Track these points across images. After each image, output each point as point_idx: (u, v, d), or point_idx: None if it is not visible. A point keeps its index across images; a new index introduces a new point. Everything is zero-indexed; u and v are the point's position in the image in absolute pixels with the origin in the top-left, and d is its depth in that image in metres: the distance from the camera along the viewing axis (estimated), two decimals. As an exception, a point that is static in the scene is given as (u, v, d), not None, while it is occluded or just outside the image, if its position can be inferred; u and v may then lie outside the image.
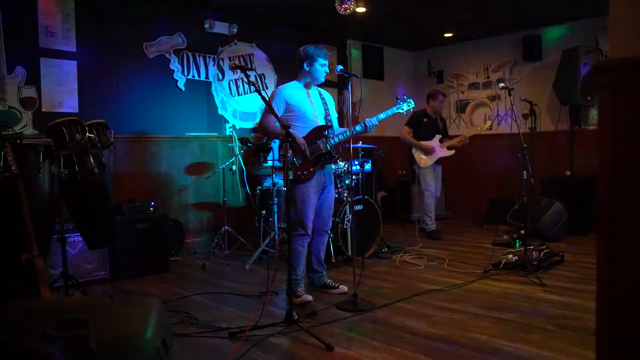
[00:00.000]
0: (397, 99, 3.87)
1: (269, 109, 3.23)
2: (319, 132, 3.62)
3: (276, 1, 5.53)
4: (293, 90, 3.66)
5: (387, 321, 3.16)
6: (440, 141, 5.91)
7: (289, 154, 3.21)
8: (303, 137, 3.52)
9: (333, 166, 4.23)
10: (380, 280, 4.16)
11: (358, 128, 3.68)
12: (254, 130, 6.13)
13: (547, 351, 2.63)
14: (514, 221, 5.64)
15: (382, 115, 3.77)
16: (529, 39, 6.80)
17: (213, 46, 5.79)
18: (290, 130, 3.14)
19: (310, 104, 3.68)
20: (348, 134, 3.61)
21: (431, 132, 5.91)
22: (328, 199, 3.76)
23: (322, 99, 3.79)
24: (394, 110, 3.81)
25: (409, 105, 3.84)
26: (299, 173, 3.51)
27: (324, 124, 3.69)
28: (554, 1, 5.64)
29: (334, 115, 3.86)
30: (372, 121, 3.67)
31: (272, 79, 6.32)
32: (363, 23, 6.45)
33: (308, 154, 3.49)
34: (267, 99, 3.19)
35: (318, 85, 3.81)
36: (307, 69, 3.65)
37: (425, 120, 5.95)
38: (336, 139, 3.65)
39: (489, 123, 6.17)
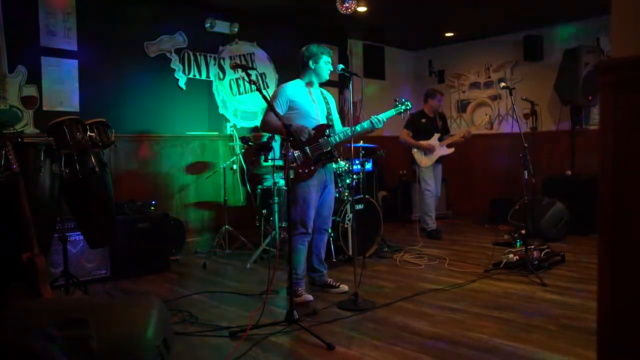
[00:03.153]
0: (395, 100, 3.88)
1: (270, 108, 3.22)
2: (320, 131, 3.62)
3: (277, 0, 5.53)
4: (296, 89, 3.66)
5: (388, 320, 3.16)
6: (440, 139, 5.91)
7: (290, 153, 3.20)
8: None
9: (334, 165, 4.23)
10: (381, 279, 4.16)
11: (366, 125, 3.67)
12: (255, 129, 6.12)
13: (548, 351, 2.63)
14: (514, 221, 5.63)
15: (382, 116, 3.75)
16: (530, 39, 6.79)
17: (214, 45, 5.79)
18: (292, 129, 3.14)
19: (313, 102, 3.68)
20: (349, 132, 3.61)
21: (430, 132, 5.91)
22: (328, 198, 3.76)
23: (324, 98, 3.79)
24: (393, 112, 3.80)
25: (406, 107, 3.83)
26: (300, 171, 3.51)
27: (326, 122, 3.69)
28: (555, 1, 5.63)
29: (335, 115, 3.86)
30: (378, 118, 3.66)
31: (273, 78, 6.32)
32: (364, 22, 6.44)
33: (309, 153, 3.50)
34: (268, 98, 3.20)
35: (320, 85, 3.81)
36: (312, 67, 3.65)
37: (424, 120, 5.95)
38: (337, 138, 3.65)
39: (487, 118, 6.16)
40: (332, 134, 3.65)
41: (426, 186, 5.93)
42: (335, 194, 3.92)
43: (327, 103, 3.78)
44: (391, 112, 3.78)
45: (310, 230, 3.63)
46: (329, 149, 3.62)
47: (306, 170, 3.53)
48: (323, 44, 3.81)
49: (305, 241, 3.65)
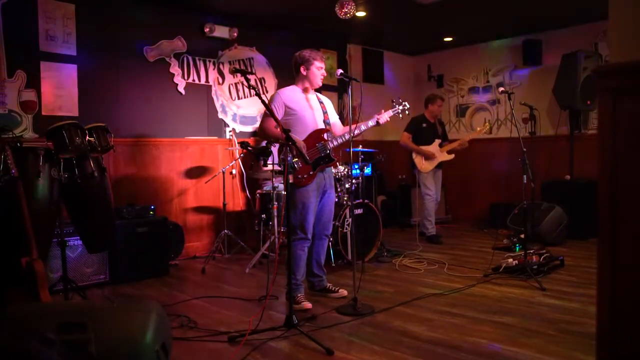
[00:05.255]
0: (392, 102, 3.88)
1: (268, 112, 3.23)
2: (317, 135, 3.62)
3: (276, 5, 5.54)
4: (292, 94, 3.67)
5: (387, 325, 3.16)
6: (440, 145, 5.92)
7: (289, 158, 3.21)
8: (302, 141, 3.53)
9: (333, 170, 4.22)
10: (380, 284, 4.16)
11: (370, 123, 3.70)
12: (253, 134, 6.13)
13: (547, 355, 2.63)
14: (514, 225, 5.64)
15: (385, 115, 3.75)
16: (529, 44, 6.81)
17: (213, 50, 5.80)
18: (290, 134, 3.14)
19: (309, 107, 3.68)
20: (347, 137, 3.61)
21: (430, 137, 5.93)
22: (328, 203, 3.76)
23: (321, 102, 3.79)
24: (391, 113, 3.79)
25: (404, 108, 3.85)
26: (299, 177, 3.51)
27: (323, 127, 3.69)
28: (554, 6, 5.65)
29: (334, 117, 3.86)
30: (384, 117, 3.71)
31: (272, 83, 6.33)
32: (363, 27, 6.46)
33: (307, 158, 3.50)
34: (267, 102, 3.20)
35: (316, 90, 3.82)
36: (305, 73, 3.66)
37: (424, 125, 5.97)
38: (335, 142, 3.65)
39: (487, 126, 6.18)
40: (329, 138, 3.66)
41: (426, 191, 5.93)
42: (335, 198, 3.92)
43: (323, 107, 3.78)
44: (389, 113, 3.78)
45: (309, 236, 3.63)
46: (327, 152, 3.62)
47: (305, 176, 3.53)
48: (322, 48, 3.82)
49: (304, 246, 3.64)
